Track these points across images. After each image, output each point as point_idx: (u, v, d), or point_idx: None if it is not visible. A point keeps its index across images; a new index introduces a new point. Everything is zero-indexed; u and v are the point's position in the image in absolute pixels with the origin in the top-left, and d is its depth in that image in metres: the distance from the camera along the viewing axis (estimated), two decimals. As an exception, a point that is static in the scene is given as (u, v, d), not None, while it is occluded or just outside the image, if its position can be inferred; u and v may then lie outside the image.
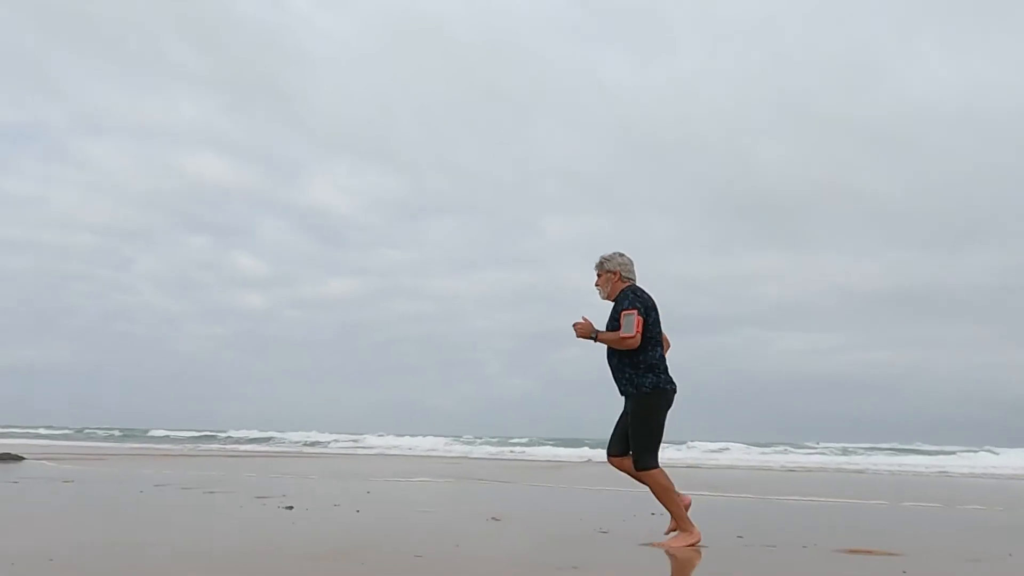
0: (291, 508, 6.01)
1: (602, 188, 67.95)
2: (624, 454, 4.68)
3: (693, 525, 4.52)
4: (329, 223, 71.63)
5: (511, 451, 29.28)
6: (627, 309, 4.54)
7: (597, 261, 4.87)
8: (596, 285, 4.87)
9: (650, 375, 4.56)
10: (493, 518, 5.75)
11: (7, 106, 63.72)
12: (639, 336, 4.50)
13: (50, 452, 17.75)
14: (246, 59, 64.50)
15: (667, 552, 4.28)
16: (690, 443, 30.40)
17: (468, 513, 6.33)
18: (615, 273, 4.79)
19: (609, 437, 4.78)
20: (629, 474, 4.65)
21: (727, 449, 29.08)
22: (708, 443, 31.68)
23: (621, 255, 4.84)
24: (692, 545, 4.44)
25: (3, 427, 50.52)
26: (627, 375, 4.59)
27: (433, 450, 29.15)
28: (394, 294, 71.05)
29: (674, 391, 4.63)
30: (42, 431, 47.62)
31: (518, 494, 8.57)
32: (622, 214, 65.20)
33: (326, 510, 6.04)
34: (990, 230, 56.10)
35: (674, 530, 4.57)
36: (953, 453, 25.07)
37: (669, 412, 4.63)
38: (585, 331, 4.63)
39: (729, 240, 66.49)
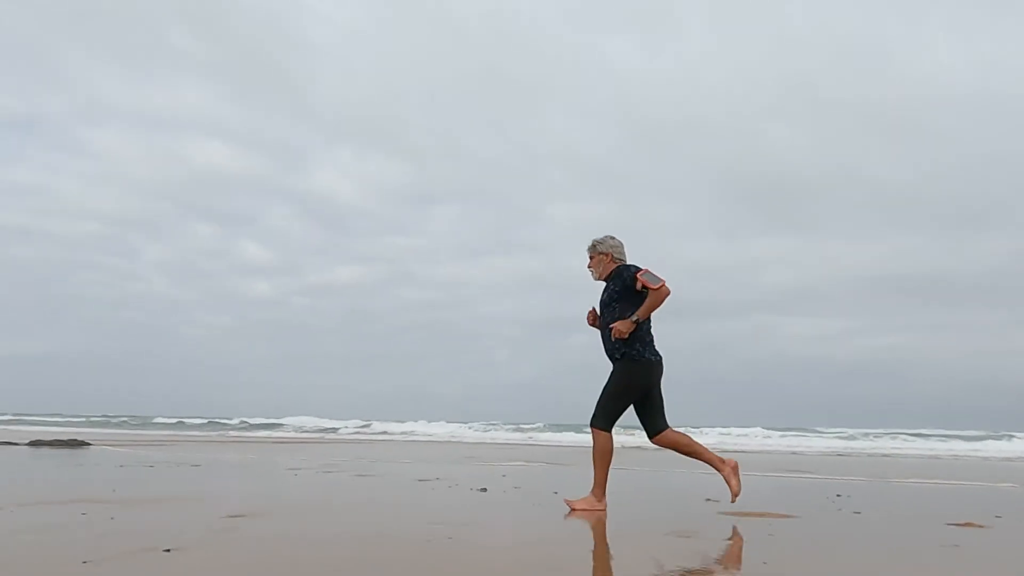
0: (485, 490, 6.10)
1: (609, 173, 67.85)
2: (662, 429, 4.91)
3: (604, 495, 4.87)
4: (335, 210, 71.66)
5: (531, 437, 29.44)
6: (638, 270, 4.81)
7: (589, 244, 5.13)
8: (588, 267, 5.15)
9: (637, 344, 4.82)
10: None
11: (11, 95, 63.49)
12: (664, 282, 4.74)
13: (93, 439, 17.82)
14: (249, 45, 64.24)
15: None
16: (702, 429, 30.70)
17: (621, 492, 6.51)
18: (607, 255, 5.07)
19: (642, 423, 4.99)
20: (676, 448, 4.92)
21: (744, 435, 29.24)
22: (719, 428, 32.04)
23: (612, 237, 5.10)
24: (595, 513, 4.72)
25: (14, 415, 50.53)
26: (617, 344, 4.85)
27: (457, 436, 29.33)
28: (401, 281, 71.19)
29: (659, 363, 4.87)
30: (58, 419, 47.72)
31: (622, 478, 8.74)
32: (629, 199, 65.20)
33: (511, 492, 6.11)
34: (999, 214, 56.03)
35: (737, 495, 4.94)
36: (982, 439, 25.35)
37: (663, 384, 4.92)
38: (626, 327, 4.75)
39: (736, 225, 66.37)
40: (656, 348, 4.90)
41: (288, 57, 66.28)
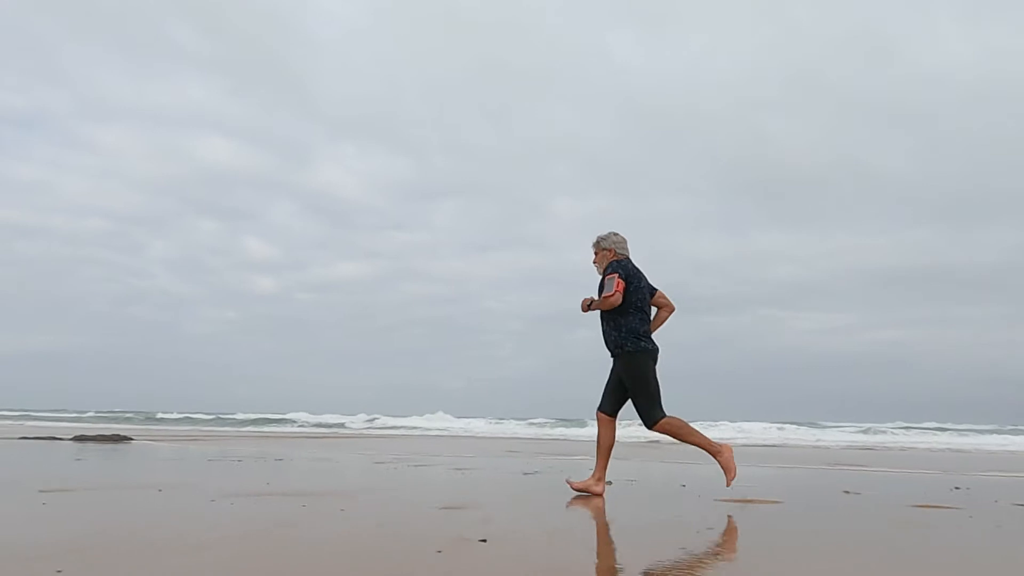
0: (610, 483, 6.07)
1: (612, 167, 67.95)
2: (614, 413, 5.19)
3: (722, 446, 5.12)
4: (337, 206, 71.69)
5: (548, 432, 29.43)
6: (609, 274, 5.09)
7: (594, 240, 5.37)
8: (594, 263, 5.39)
9: (631, 337, 5.03)
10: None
11: (13, 92, 63.30)
12: (619, 295, 5.00)
13: (132, 434, 17.76)
14: (249, 40, 64.13)
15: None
16: (718, 423, 30.72)
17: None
18: (610, 251, 5.31)
19: (601, 394, 5.25)
20: (601, 434, 5.17)
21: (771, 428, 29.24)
22: (724, 422, 31.99)
23: (616, 234, 5.34)
24: (730, 467, 5.03)
25: (25, 411, 50.33)
26: (612, 337, 5.11)
27: (470, 431, 29.34)
28: (404, 277, 71.35)
29: (655, 351, 5.08)
30: (63, 414, 47.54)
31: (698, 470, 8.76)
32: (632, 193, 65.24)
33: (639, 485, 6.16)
34: (1006, 207, 56.08)
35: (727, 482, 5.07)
36: (1000, 432, 25.44)
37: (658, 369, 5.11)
38: (584, 305, 5.21)
39: (740, 218, 66.53)
40: (652, 339, 5.12)
41: (289, 52, 66.29)
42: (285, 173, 70.57)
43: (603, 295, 5.07)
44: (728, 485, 5.14)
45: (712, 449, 5.06)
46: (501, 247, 72.98)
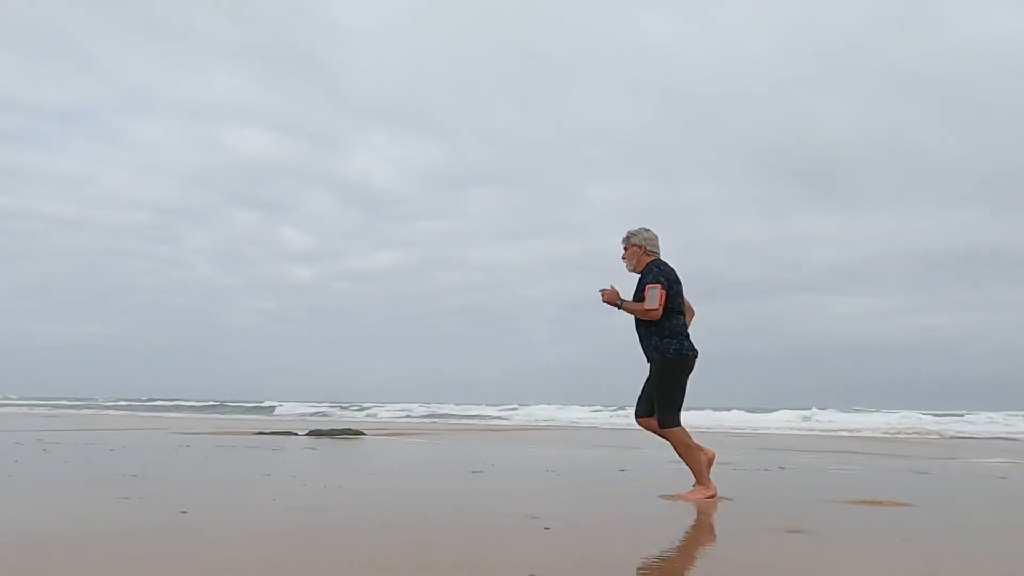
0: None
1: (647, 151, 67.15)
2: (650, 415, 5.20)
3: (710, 480, 5.03)
4: (371, 196, 72.10)
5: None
6: (651, 283, 5.02)
7: (624, 236, 5.31)
8: (623, 258, 5.32)
9: (674, 341, 5.05)
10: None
11: (54, 86, 63.77)
12: (661, 309, 4.98)
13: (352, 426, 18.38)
14: (278, 31, 63.82)
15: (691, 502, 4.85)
16: (735, 409, 30.80)
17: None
18: (640, 247, 5.23)
19: (637, 399, 5.31)
20: (655, 432, 5.18)
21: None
22: (800, 410, 32.49)
23: (647, 230, 5.27)
24: (709, 498, 4.93)
25: (72, 400, 50.61)
26: (653, 342, 5.09)
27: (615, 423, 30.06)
28: (439, 265, 71.92)
29: (695, 356, 5.11)
30: (120, 403, 47.93)
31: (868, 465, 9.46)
32: (668, 177, 64.77)
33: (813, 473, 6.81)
34: (1056, 185, 50.85)
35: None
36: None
37: (691, 377, 5.11)
38: (611, 298, 5.12)
39: (779, 202, 65.07)
40: (692, 342, 5.12)
41: (319, 41, 66.12)
42: (318, 163, 71.16)
43: (645, 307, 5.00)
44: (672, 497, 5.04)
45: (700, 478, 5.02)
46: (535, 234, 73.49)
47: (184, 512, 3.90)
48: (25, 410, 35.43)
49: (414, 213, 74.06)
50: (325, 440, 12.33)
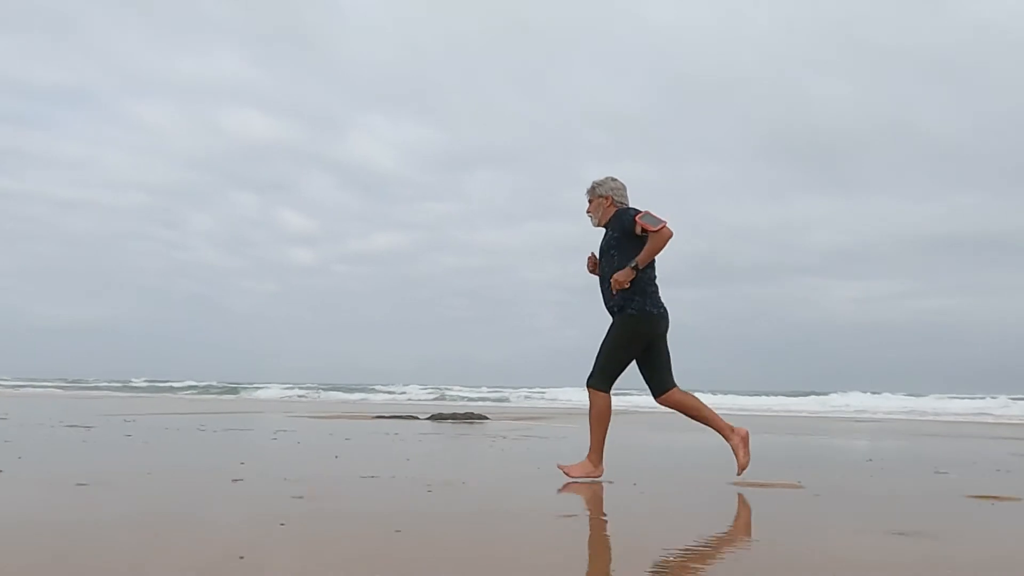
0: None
1: (646, 132, 66.63)
2: (670, 386, 4.62)
3: (601, 461, 4.62)
4: (371, 177, 71.46)
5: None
6: (639, 212, 4.52)
7: (588, 187, 4.84)
8: (587, 212, 4.85)
9: (637, 297, 4.52)
10: None
11: (53, 68, 64.12)
12: (665, 223, 4.43)
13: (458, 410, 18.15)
14: (278, 12, 62.53)
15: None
16: (737, 394, 31.20)
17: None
18: (607, 198, 4.76)
19: (647, 381, 4.71)
20: (683, 411, 4.62)
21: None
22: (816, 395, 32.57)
23: (614, 180, 4.81)
24: (592, 478, 4.58)
25: (82, 383, 49.62)
26: (616, 296, 4.53)
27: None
28: (440, 248, 71.66)
29: (661, 316, 4.55)
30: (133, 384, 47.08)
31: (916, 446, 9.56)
32: (669, 160, 64.47)
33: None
34: (1060, 169, 50.23)
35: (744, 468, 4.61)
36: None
37: (668, 338, 4.68)
38: (625, 276, 4.45)
39: (781, 184, 64.99)
40: (660, 299, 4.60)
41: (313, 18, 64.81)
42: (317, 144, 70.58)
43: (654, 229, 4.41)
44: (564, 471, 4.67)
45: (597, 456, 4.63)
46: (536, 216, 73.30)
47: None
48: (93, 392, 34.54)
49: (414, 195, 73.68)
50: (460, 424, 12.17)
